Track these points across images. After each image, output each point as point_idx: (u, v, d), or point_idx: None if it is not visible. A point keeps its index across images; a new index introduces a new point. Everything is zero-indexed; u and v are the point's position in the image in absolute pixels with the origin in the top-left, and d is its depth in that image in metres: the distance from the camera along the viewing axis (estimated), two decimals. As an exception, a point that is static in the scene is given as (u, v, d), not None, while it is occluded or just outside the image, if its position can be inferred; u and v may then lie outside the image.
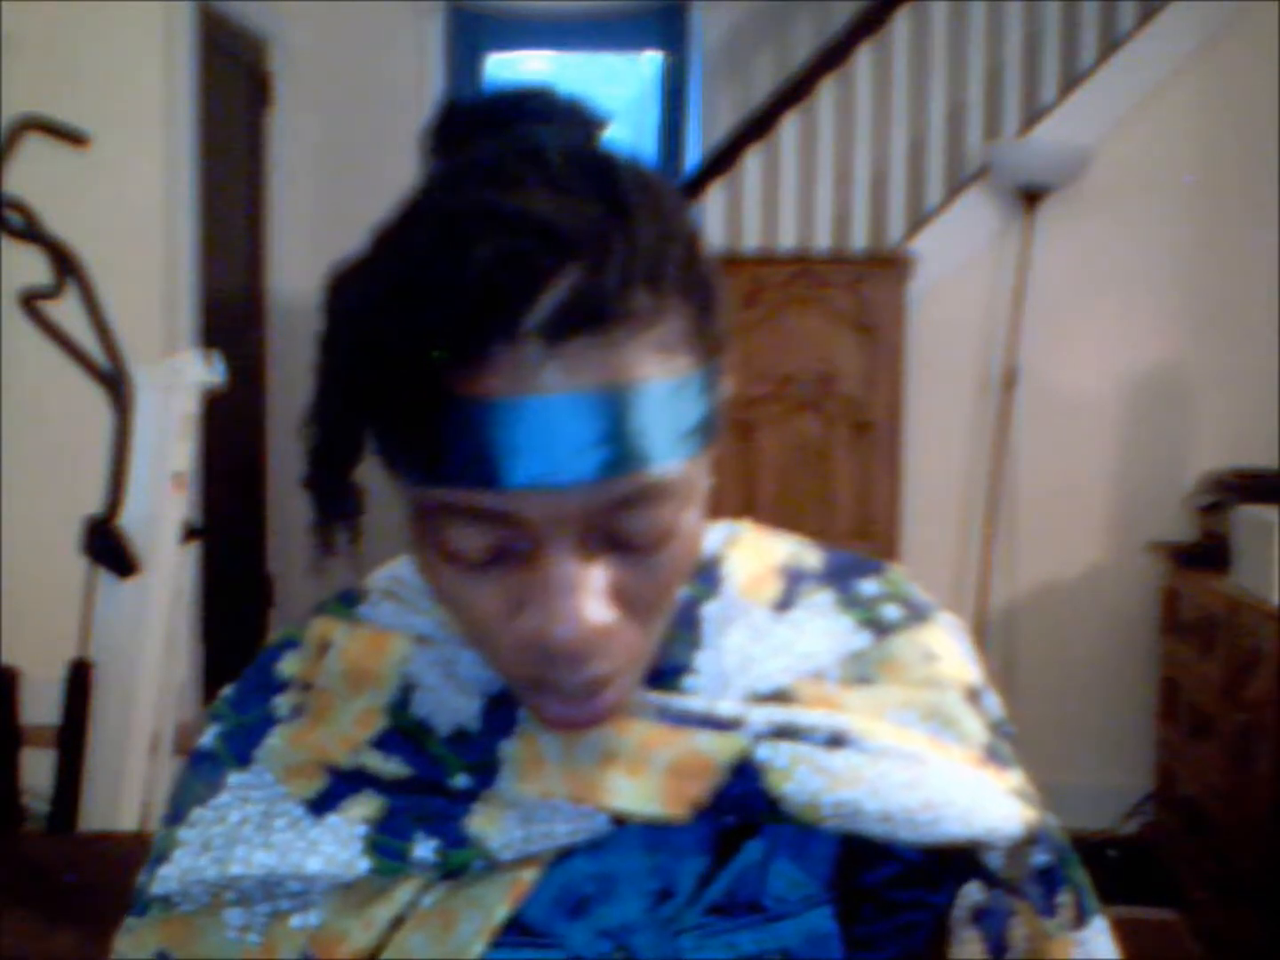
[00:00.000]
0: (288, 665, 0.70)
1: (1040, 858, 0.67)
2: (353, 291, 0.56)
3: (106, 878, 1.62)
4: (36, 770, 2.37)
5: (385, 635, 0.68)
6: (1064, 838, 0.69)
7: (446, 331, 0.52)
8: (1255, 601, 2.64)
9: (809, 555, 0.74)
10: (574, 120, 0.60)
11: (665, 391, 0.55)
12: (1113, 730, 3.44)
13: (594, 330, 0.52)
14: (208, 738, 0.70)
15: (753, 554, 0.72)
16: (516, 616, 0.57)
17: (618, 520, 0.56)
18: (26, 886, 1.67)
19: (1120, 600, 3.43)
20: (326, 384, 0.57)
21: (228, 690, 0.72)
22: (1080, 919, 0.69)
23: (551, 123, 0.59)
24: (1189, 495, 3.31)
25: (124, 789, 2.31)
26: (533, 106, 0.60)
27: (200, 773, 0.69)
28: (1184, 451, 3.39)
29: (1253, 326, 3.35)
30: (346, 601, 0.72)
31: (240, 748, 0.68)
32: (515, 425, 0.52)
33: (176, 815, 0.68)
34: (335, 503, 0.59)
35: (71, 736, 2.26)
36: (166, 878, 0.66)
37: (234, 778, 0.67)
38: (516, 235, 0.52)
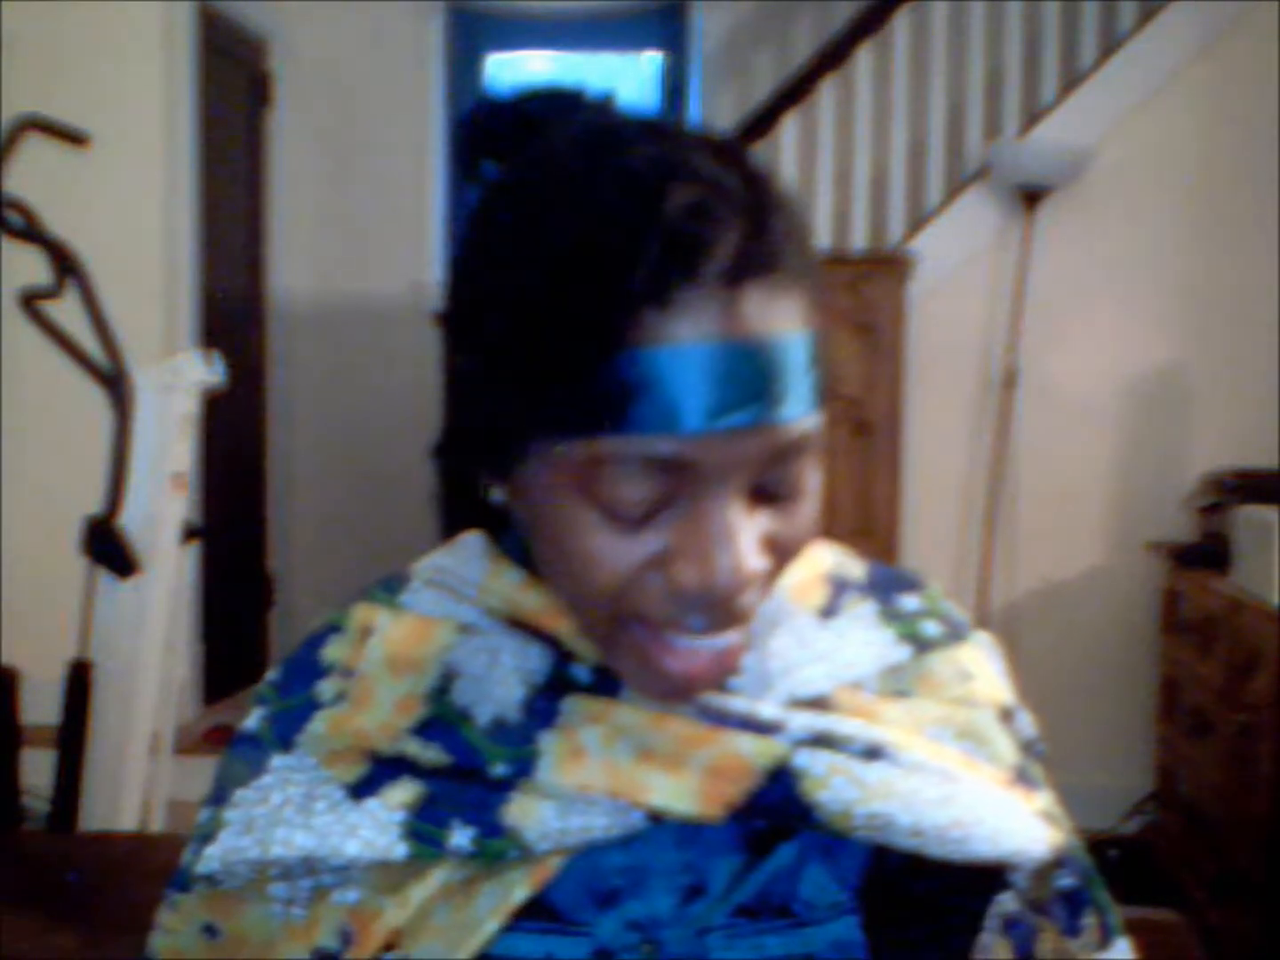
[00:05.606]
0: (331, 650, 0.70)
1: (1065, 880, 0.67)
2: (520, 252, 0.56)
3: (106, 878, 1.62)
4: (36, 770, 2.36)
5: (429, 622, 0.68)
6: (1089, 859, 0.69)
7: (637, 278, 0.53)
8: (1255, 601, 2.64)
9: (852, 565, 0.74)
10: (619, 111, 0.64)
11: (810, 347, 0.57)
12: (1113, 730, 3.44)
13: (762, 278, 0.55)
14: (252, 720, 0.70)
15: (802, 559, 0.72)
16: (668, 566, 0.57)
17: (772, 471, 0.57)
18: (26, 886, 1.67)
19: (1120, 600, 3.43)
20: (488, 344, 0.58)
21: (272, 674, 0.72)
22: (1104, 940, 0.69)
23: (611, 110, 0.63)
24: (1189, 495, 3.31)
25: (124, 789, 2.31)
26: (579, 100, 0.63)
27: (243, 754, 0.69)
28: (1184, 451, 3.39)
29: (1253, 326, 3.34)
30: (388, 589, 0.72)
31: (284, 731, 0.68)
32: (697, 370, 0.53)
33: (220, 796, 0.69)
34: (489, 466, 0.62)
35: (71, 736, 2.25)
36: (211, 857, 0.66)
37: (277, 760, 0.67)
38: (697, 188, 0.55)
